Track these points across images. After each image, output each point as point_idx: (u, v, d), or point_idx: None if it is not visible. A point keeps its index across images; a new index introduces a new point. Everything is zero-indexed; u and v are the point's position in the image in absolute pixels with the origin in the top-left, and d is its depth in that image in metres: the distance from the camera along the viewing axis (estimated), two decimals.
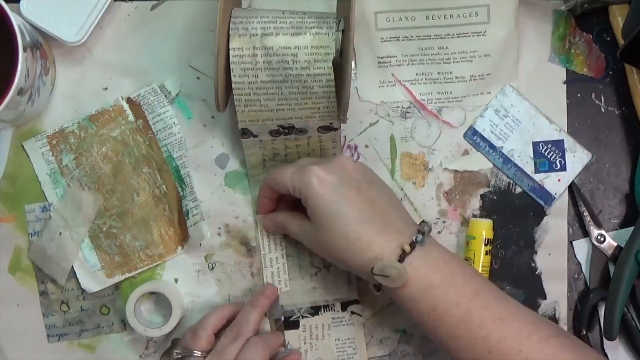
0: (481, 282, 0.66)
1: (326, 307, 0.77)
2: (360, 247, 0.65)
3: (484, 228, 0.74)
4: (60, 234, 0.74)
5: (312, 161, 0.70)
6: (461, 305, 0.64)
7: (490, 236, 0.74)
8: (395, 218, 0.67)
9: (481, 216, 0.76)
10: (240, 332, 0.70)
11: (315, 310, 0.77)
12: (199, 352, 0.70)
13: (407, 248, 0.64)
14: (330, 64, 0.66)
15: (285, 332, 0.76)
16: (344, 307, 0.77)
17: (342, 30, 0.67)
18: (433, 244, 0.67)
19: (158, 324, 0.74)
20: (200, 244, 0.76)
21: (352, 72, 0.74)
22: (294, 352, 0.76)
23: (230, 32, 0.66)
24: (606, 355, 0.76)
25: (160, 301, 0.75)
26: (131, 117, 0.75)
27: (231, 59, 0.65)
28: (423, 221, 0.68)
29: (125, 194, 0.75)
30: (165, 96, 0.75)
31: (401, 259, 0.64)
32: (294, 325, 0.76)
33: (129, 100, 0.75)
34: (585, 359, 0.64)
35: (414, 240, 0.65)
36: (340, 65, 0.67)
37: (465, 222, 0.76)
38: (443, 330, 0.65)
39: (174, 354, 0.71)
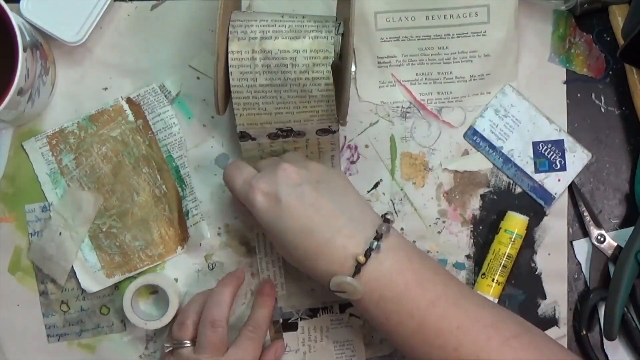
0: (440, 289, 0.62)
1: (324, 309, 0.77)
2: (312, 262, 0.63)
3: (518, 224, 0.74)
4: (60, 234, 0.74)
5: (269, 163, 0.68)
6: (415, 317, 0.61)
7: (522, 233, 0.75)
8: (346, 219, 0.62)
9: (481, 216, 0.76)
10: (214, 318, 0.68)
11: (313, 313, 0.76)
12: (189, 342, 0.69)
13: (361, 259, 0.61)
14: (329, 68, 0.65)
15: (283, 334, 0.76)
16: (342, 309, 0.77)
17: (342, 34, 0.67)
18: (390, 248, 0.62)
19: (157, 317, 0.73)
20: (200, 244, 0.76)
21: (352, 73, 0.74)
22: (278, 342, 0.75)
23: (230, 36, 0.66)
24: (606, 356, 0.76)
25: (158, 298, 0.75)
26: (131, 117, 0.75)
27: (230, 62, 0.65)
28: (384, 216, 0.64)
29: (125, 194, 0.75)
30: (165, 96, 0.75)
31: (357, 270, 0.61)
32: (293, 327, 0.76)
33: (128, 100, 0.75)
34: (551, 358, 0.62)
35: (370, 247, 0.61)
36: (340, 69, 0.67)
37: (465, 222, 0.76)
38: (398, 338, 0.63)
39: (164, 347, 0.71)
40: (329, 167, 0.68)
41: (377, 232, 0.62)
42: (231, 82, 0.66)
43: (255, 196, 0.63)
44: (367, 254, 0.61)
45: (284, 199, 0.62)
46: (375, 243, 0.61)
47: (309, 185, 0.63)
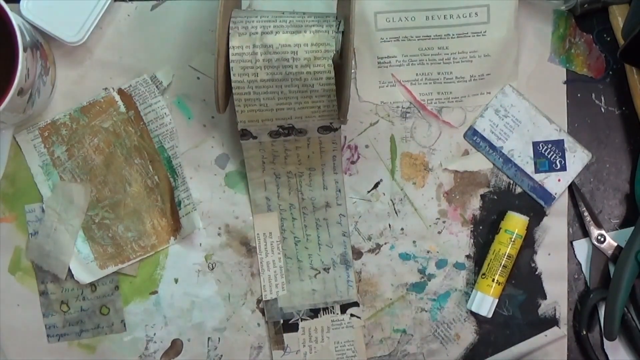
0: None
1: (325, 309, 0.77)
2: None
3: (518, 224, 0.74)
4: (55, 229, 0.74)
5: None
6: None
7: (522, 233, 0.75)
8: None
9: (481, 216, 0.76)
10: None
11: (314, 313, 0.76)
12: None
13: None
14: (331, 61, 0.65)
15: (284, 335, 0.76)
16: (343, 309, 0.77)
17: (342, 32, 0.67)
18: None
19: None
20: (201, 244, 0.76)
21: (352, 72, 0.74)
22: None
23: (230, 32, 0.66)
24: (606, 356, 0.76)
25: (158, 298, 0.76)
26: (122, 108, 0.75)
27: (231, 57, 0.65)
28: None
29: (118, 185, 0.75)
30: (157, 87, 0.74)
31: None
32: (293, 328, 0.76)
33: (120, 91, 0.75)
34: None
35: None
36: (341, 67, 0.67)
37: (465, 222, 0.76)
38: None
39: None
40: None
41: None
42: (232, 77, 0.66)
43: None
44: None
45: None
46: None
47: None
